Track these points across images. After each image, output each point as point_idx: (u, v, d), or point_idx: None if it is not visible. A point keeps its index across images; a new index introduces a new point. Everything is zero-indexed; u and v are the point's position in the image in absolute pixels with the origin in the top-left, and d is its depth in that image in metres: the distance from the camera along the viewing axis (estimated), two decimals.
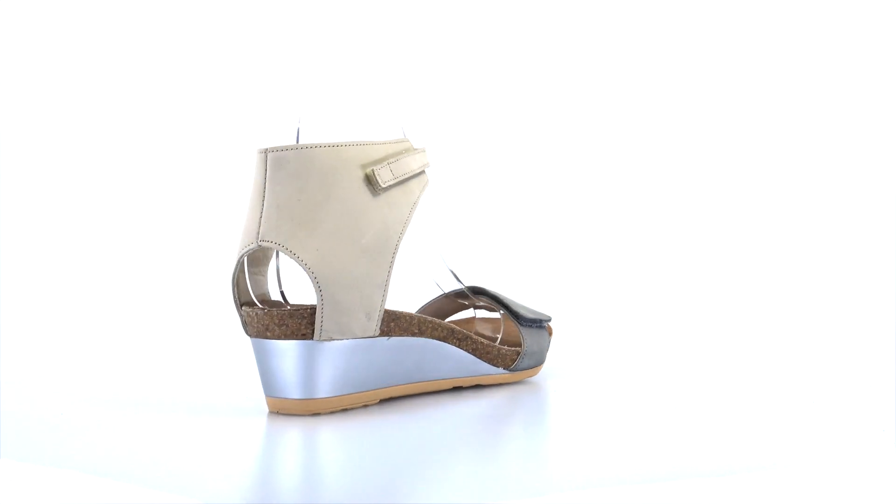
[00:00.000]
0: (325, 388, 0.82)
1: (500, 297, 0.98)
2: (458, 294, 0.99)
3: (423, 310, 1.00)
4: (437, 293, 1.00)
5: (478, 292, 0.99)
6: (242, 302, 0.84)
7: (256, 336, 0.83)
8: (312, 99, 1.44)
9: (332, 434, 0.78)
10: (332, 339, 0.81)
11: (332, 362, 0.82)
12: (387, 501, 0.63)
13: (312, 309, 0.81)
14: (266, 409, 0.84)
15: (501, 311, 0.97)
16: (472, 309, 1.02)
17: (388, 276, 0.84)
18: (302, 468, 0.71)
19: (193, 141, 1.54)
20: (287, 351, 0.81)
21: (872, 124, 1.47)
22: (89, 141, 1.53)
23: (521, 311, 0.97)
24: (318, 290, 0.80)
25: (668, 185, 1.51)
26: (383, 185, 0.83)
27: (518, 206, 1.51)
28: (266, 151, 0.81)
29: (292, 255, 0.80)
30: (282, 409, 0.83)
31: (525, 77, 1.53)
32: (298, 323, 0.81)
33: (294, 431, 0.78)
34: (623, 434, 0.79)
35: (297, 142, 0.85)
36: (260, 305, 0.85)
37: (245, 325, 0.84)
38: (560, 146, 1.52)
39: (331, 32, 1.52)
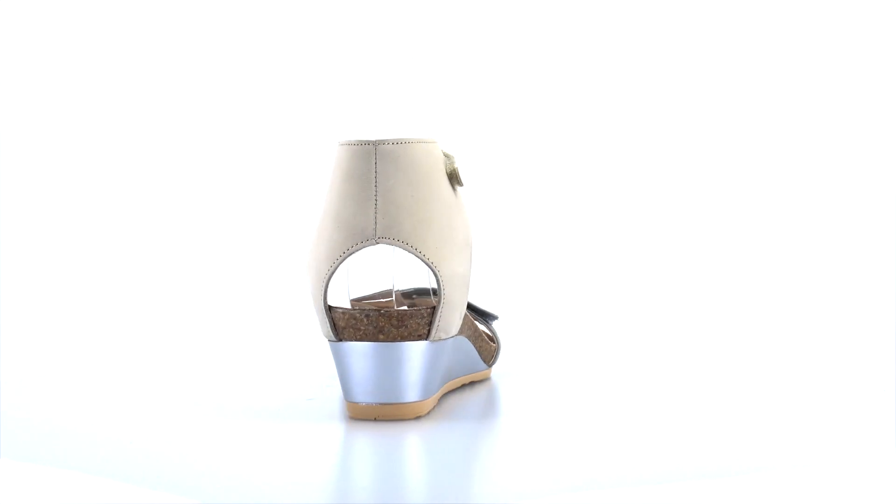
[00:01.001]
0: (434, 388, 0.80)
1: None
2: (417, 292, 0.94)
3: (363, 301, 0.93)
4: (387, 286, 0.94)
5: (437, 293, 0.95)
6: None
7: (361, 339, 0.78)
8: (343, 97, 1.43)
9: (331, 433, 0.78)
10: (441, 339, 0.79)
11: (442, 362, 0.81)
12: (386, 501, 0.63)
13: (428, 309, 0.78)
14: (264, 408, 0.84)
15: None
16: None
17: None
18: (302, 468, 0.71)
19: (205, 139, 1.54)
20: (407, 352, 0.78)
21: (872, 124, 1.47)
22: (89, 141, 1.53)
23: (486, 309, 0.95)
24: (441, 289, 0.78)
25: (665, 183, 1.51)
26: (463, 184, 0.82)
27: (510, 205, 1.51)
28: (375, 144, 0.77)
29: (418, 253, 0.77)
30: (385, 414, 0.79)
31: (517, 76, 1.53)
32: (417, 323, 0.78)
33: (294, 431, 0.78)
34: (622, 434, 0.79)
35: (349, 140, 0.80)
36: (349, 307, 0.81)
37: (339, 328, 0.79)
38: (559, 145, 1.52)
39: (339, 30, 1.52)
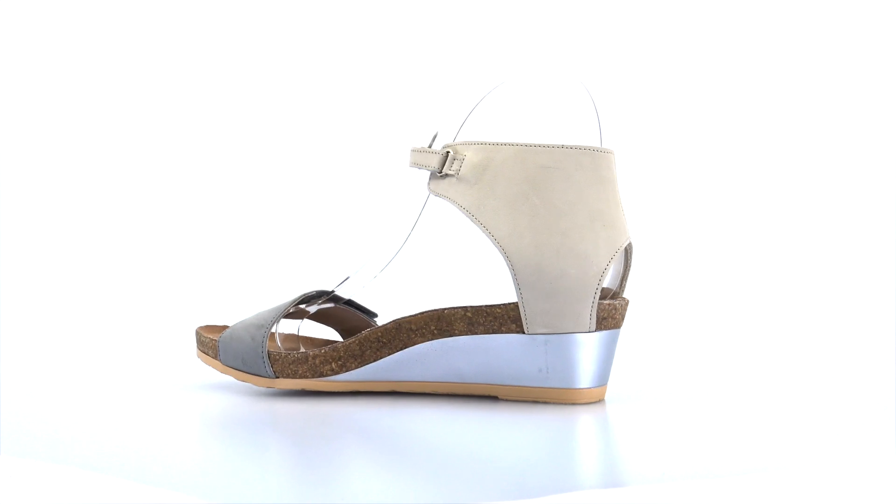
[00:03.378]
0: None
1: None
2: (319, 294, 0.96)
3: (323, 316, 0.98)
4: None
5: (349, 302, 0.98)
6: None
7: (613, 328, 0.85)
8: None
9: (329, 434, 0.78)
10: None
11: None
12: (386, 501, 0.63)
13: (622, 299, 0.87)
14: (264, 408, 0.84)
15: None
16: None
17: None
18: (301, 468, 0.71)
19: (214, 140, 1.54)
20: (614, 340, 0.86)
21: (872, 124, 1.47)
22: (89, 141, 1.53)
23: (368, 307, 0.99)
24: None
25: (665, 184, 1.51)
26: None
27: None
28: (610, 153, 0.85)
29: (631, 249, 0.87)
30: (581, 398, 0.85)
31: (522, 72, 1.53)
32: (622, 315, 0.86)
33: (294, 431, 0.78)
34: (622, 434, 0.79)
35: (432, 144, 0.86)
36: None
37: (599, 319, 0.84)
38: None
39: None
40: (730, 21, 1.51)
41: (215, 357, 0.93)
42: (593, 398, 0.85)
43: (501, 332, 0.84)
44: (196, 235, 1.50)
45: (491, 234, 0.83)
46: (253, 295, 1.42)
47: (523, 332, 0.83)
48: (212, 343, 0.93)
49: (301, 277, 1.44)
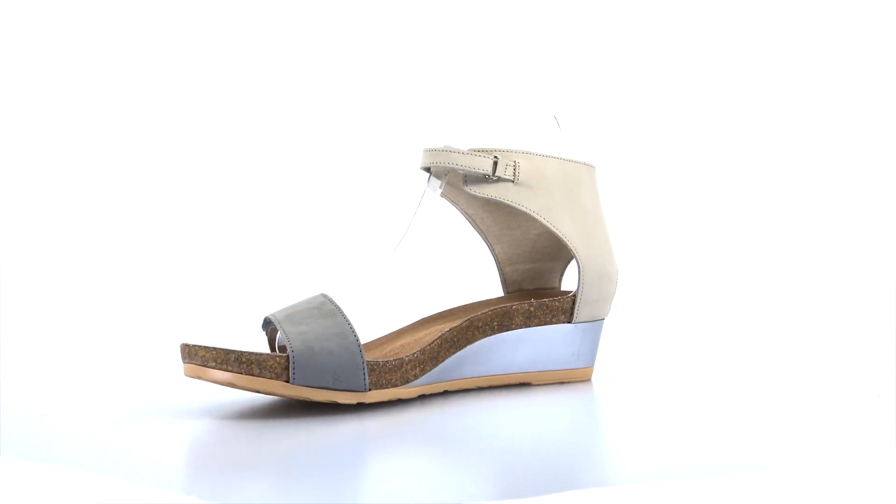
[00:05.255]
0: None
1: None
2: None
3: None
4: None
5: None
6: None
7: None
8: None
9: (329, 434, 0.78)
10: None
11: None
12: (385, 500, 0.63)
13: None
14: (264, 408, 0.84)
15: None
16: None
17: None
18: (301, 468, 0.71)
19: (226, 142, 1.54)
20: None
21: (872, 125, 1.47)
22: (90, 141, 1.53)
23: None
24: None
25: (665, 184, 1.51)
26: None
27: None
28: (594, 167, 0.95)
29: None
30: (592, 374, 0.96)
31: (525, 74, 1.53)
32: None
33: (294, 432, 0.78)
34: (621, 433, 0.79)
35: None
36: None
37: None
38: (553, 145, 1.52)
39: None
40: (724, 23, 1.51)
41: (260, 375, 0.80)
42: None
43: (552, 323, 0.92)
44: (197, 236, 1.50)
45: (564, 235, 0.91)
46: (253, 296, 1.42)
47: (569, 322, 0.93)
48: (254, 359, 0.80)
49: (288, 279, 1.44)
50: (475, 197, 0.95)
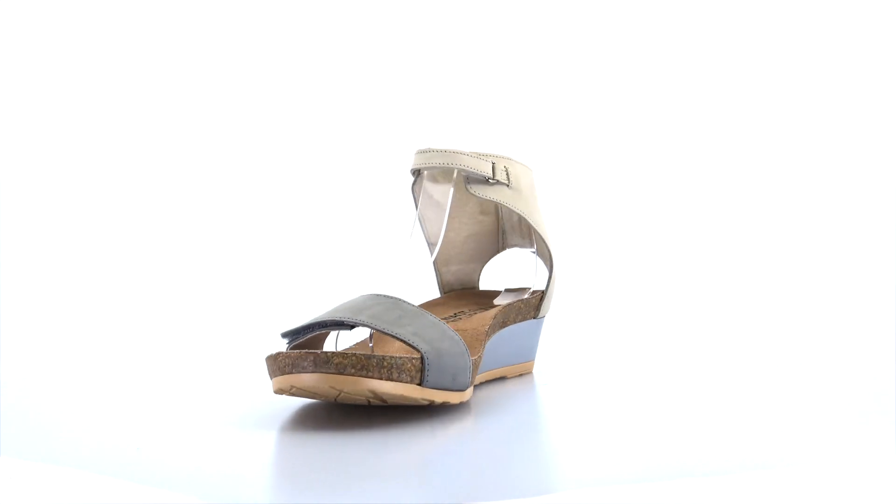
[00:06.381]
0: None
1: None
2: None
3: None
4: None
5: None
6: None
7: None
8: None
9: (328, 435, 0.78)
10: None
11: None
12: (385, 501, 0.63)
13: None
14: (264, 408, 0.84)
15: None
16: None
17: None
18: (300, 468, 0.71)
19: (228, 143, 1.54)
20: None
21: (872, 125, 1.47)
22: (91, 141, 1.53)
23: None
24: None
25: (665, 183, 1.51)
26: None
27: None
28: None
29: None
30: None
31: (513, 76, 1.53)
32: None
33: (293, 432, 0.78)
34: (621, 433, 0.79)
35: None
36: None
37: None
38: (554, 144, 1.52)
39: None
40: (720, 22, 1.51)
41: (398, 380, 0.76)
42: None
43: (528, 319, 0.96)
44: (197, 237, 1.50)
45: (543, 235, 0.96)
46: (253, 296, 1.42)
47: (535, 318, 0.97)
48: (393, 363, 0.76)
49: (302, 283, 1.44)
50: (430, 197, 0.96)
